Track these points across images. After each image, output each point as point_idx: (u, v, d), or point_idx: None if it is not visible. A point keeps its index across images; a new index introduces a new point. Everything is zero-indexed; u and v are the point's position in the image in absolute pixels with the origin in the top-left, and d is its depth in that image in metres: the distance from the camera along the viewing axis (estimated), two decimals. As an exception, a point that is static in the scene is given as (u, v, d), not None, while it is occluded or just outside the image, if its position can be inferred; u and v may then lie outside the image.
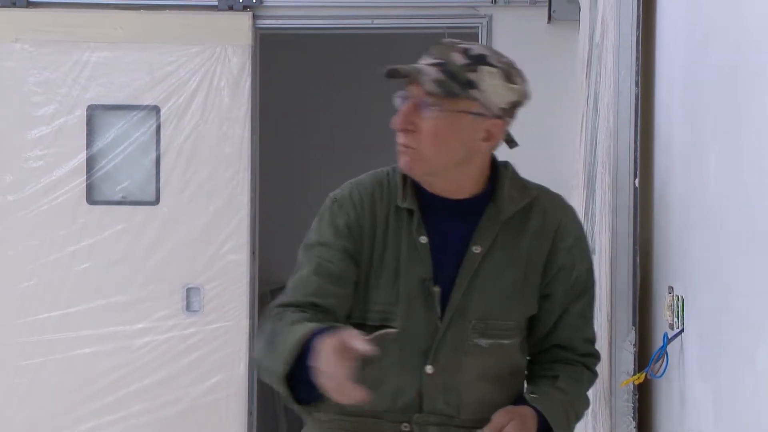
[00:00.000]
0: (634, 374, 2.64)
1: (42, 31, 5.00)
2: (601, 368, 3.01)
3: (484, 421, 2.29)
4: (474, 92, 2.27)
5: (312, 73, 6.69)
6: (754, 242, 1.65)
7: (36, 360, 4.98)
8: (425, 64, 2.29)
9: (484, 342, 2.33)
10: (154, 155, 5.01)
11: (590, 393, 2.59)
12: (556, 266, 2.37)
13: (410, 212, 2.35)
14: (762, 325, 1.60)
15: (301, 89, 6.71)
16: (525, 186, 2.41)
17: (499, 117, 2.32)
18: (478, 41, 5.04)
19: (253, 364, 5.00)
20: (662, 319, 2.44)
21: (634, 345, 2.68)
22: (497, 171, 2.39)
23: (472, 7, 5.06)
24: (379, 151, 5.62)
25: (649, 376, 2.51)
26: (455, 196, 2.35)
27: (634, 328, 2.68)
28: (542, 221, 2.37)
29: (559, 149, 4.93)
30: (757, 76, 1.63)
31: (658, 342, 2.46)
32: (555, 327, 2.40)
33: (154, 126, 5.00)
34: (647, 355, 2.65)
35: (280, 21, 5.07)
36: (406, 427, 2.32)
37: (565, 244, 2.38)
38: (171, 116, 5.00)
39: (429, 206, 2.36)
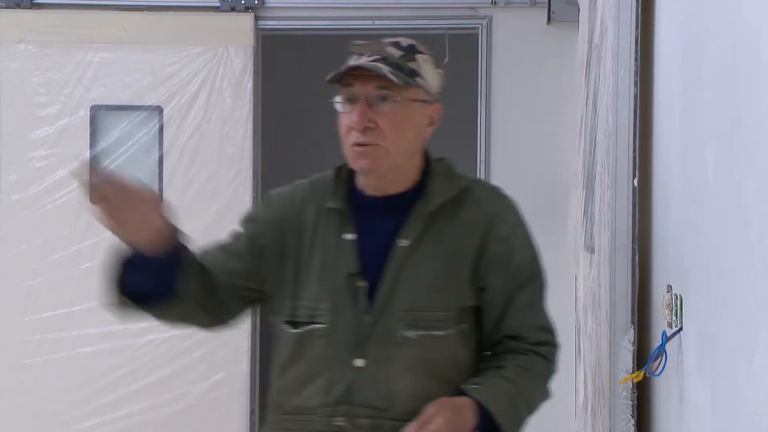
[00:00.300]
0: (633, 372, 2.63)
1: (46, 32, 5.00)
2: (601, 366, 3.00)
3: (419, 414, 2.28)
4: (418, 80, 2.35)
5: (313, 73, 6.67)
6: (751, 242, 1.64)
7: (40, 358, 4.98)
8: (368, 61, 2.32)
9: (413, 333, 2.33)
10: (156, 155, 5.01)
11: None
12: (489, 256, 2.37)
13: (339, 211, 2.39)
14: (760, 324, 1.59)
15: (302, 89, 6.70)
16: (457, 178, 2.43)
17: (437, 101, 2.40)
18: (478, 42, 5.04)
19: (252, 362, 5.00)
20: (661, 317, 2.43)
21: (633, 343, 2.67)
22: (430, 165, 2.42)
23: (473, 8, 5.05)
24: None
25: (647, 374, 2.50)
26: (389, 191, 2.39)
27: (633, 326, 2.68)
28: (474, 213, 2.39)
29: (559, 149, 4.93)
30: (755, 76, 1.63)
31: (657, 340, 2.45)
32: (502, 318, 2.39)
33: (157, 126, 5.00)
34: (646, 353, 2.64)
35: (281, 22, 5.07)
36: (339, 420, 2.33)
37: (499, 233, 2.38)
38: (174, 116, 4.99)
39: (361, 205, 2.40)
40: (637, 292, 2.69)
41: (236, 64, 4.97)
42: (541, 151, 5.02)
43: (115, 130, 5.02)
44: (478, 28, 5.04)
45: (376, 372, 2.33)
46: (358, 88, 2.33)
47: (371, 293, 2.35)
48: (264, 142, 5.15)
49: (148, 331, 4.97)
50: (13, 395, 4.98)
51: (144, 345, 4.98)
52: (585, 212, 3.72)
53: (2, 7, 5.00)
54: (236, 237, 2.46)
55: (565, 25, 4.90)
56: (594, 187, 3.34)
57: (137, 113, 5.01)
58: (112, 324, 4.99)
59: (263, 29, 5.05)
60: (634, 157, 2.71)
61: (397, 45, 2.35)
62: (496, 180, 5.06)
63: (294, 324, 2.38)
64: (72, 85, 5.00)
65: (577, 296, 4.38)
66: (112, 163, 5.02)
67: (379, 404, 2.32)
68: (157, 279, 2.33)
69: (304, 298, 2.37)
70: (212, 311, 2.45)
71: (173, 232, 2.32)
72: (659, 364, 2.36)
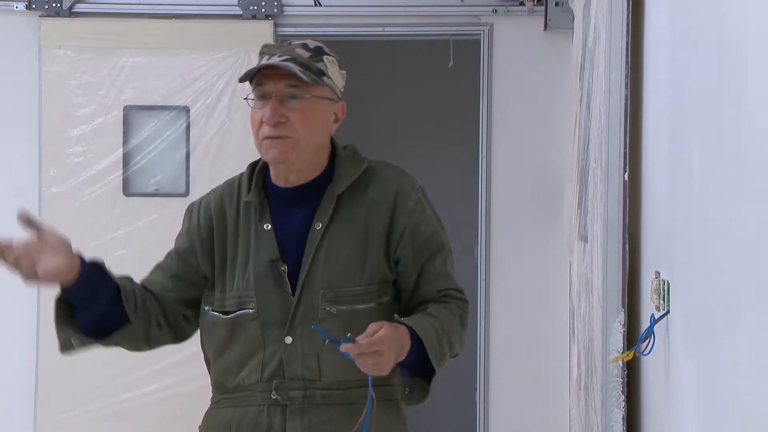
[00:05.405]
0: (624, 352, 2.63)
1: (83, 39, 5.00)
2: (594, 346, 2.99)
3: (348, 382, 2.31)
4: (325, 79, 2.33)
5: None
6: (733, 231, 1.63)
7: (77, 337, 4.99)
8: (279, 60, 2.30)
9: (335, 309, 2.32)
10: (184, 151, 5.01)
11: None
12: (399, 230, 2.36)
13: (256, 204, 2.39)
14: (741, 307, 1.58)
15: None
16: (360, 161, 2.41)
17: (342, 100, 2.39)
18: (480, 47, 5.03)
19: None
20: (649, 301, 2.42)
21: (624, 325, 2.66)
22: (336, 153, 2.41)
23: (475, 16, 5.04)
24: (381, 151, 5.59)
25: (637, 354, 2.49)
26: (300, 181, 2.38)
27: (623, 309, 2.67)
28: (380, 191, 2.38)
29: (555, 146, 4.91)
30: (737, 78, 1.62)
31: (646, 322, 2.44)
32: (417, 286, 2.38)
33: (185, 125, 5.00)
34: (635, 334, 2.63)
35: (299, 28, 5.05)
36: (274, 394, 2.34)
37: (406, 208, 2.37)
38: (199, 116, 4.99)
39: (275, 196, 2.39)
40: (627, 278, 2.68)
41: (257, 68, 4.96)
42: (538, 148, 5.01)
43: (146, 128, 5.02)
44: (480, 34, 5.03)
45: (304, 347, 2.33)
46: (270, 86, 2.31)
47: (294, 276, 2.34)
48: (283, 140, 5.14)
49: (177, 313, 4.98)
50: (53, 371, 4.99)
51: (173, 326, 4.98)
52: (579, 204, 3.71)
53: (44, 16, 5.00)
54: (172, 255, 2.48)
55: (561, 32, 4.88)
56: (587, 181, 3.33)
57: (166, 113, 5.01)
58: (144, 306, 5.00)
59: (282, 35, 5.04)
60: (625, 153, 2.70)
61: (305, 47, 2.34)
62: (497, 175, 5.05)
63: (224, 312, 2.39)
64: (107, 87, 5.00)
65: (572, 282, 4.37)
66: (143, 159, 5.03)
67: (309, 376, 2.33)
68: (92, 312, 2.44)
69: (232, 289, 2.38)
70: (172, 330, 2.54)
71: (78, 262, 2.32)
72: (648, 344, 2.35)
